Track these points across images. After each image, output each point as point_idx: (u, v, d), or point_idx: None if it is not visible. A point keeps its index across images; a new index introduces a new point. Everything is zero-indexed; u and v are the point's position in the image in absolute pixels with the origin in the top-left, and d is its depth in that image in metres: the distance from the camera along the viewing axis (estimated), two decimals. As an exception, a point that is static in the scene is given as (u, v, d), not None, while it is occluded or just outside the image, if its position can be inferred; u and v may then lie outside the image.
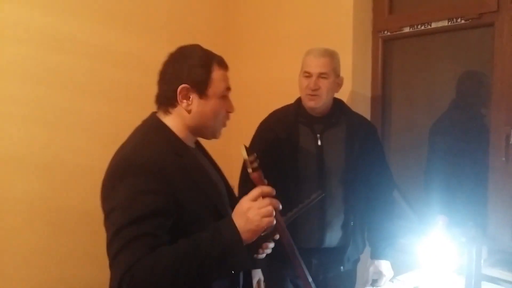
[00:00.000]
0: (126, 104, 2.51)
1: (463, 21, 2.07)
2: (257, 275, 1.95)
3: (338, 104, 1.97)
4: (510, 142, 1.94)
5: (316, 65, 1.84)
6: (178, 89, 1.23)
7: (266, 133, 1.96)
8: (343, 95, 2.06)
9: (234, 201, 1.36)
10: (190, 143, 1.33)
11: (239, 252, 1.09)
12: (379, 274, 1.92)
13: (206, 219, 1.19)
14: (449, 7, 2.12)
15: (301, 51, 1.96)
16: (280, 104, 2.04)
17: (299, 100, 1.96)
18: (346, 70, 2.12)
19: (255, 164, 1.17)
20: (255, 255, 1.35)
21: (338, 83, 1.92)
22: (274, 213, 1.12)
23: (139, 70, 2.55)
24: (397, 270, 1.97)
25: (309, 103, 1.87)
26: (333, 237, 1.90)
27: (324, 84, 1.84)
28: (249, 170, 1.17)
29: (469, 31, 2.11)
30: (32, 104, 2.24)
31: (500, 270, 1.84)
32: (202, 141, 1.44)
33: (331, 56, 1.88)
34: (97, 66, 2.43)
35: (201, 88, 1.25)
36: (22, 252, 2.24)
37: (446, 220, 1.83)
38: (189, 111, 1.26)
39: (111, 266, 1.08)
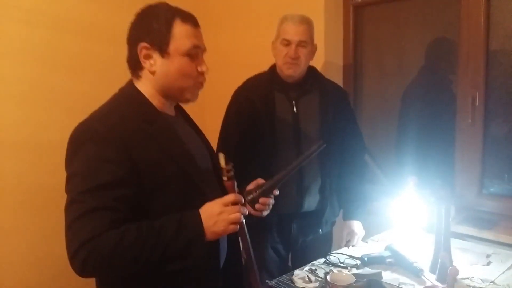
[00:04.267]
0: (96, 78, 2.44)
1: (431, -13, 2.10)
2: None
3: (311, 71, 1.97)
4: (476, 104, 2.00)
5: (296, 33, 1.82)
6: (138, 49, 1.16)
7: (242, 102, 1.94)
8: (316, 63, 2.06)
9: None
10: (167, 109, 1.25)
11: (199, 250, 1.11)
12: (352, 233, 1.97)
13: (175, 187, 1.16)
14: (417, -27, 2.15)
15: (273, 18, 1.93)
16: (254, 72, 2.03)
17: (273, 67, 1.95)
18: (318, 37, 2.11)
19: (231, 173, 1.20)
20: (259, 213, 1.38)
21: (313, 51, 1.92)
22: (241, 220, 1.16)
23: (107, 41, 2.46)
24: (370, 232, 2.03)
25: (287, 71, 1.86)
26: (311, 202, 1.93)
27: (303, 52, 1.83)
28: (224, 178, 1.20)
29: (437, -4, 2.14)
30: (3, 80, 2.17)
31: (467, 226, 1.92)
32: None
33: (308, 23, 1.87)
34: (62, 37, 2.34)
35: (161, 45, 1.15)
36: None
37: (416, 181, 1.89)
38: (153, 73, 1.18)
39: (66, 234, 1.05)
